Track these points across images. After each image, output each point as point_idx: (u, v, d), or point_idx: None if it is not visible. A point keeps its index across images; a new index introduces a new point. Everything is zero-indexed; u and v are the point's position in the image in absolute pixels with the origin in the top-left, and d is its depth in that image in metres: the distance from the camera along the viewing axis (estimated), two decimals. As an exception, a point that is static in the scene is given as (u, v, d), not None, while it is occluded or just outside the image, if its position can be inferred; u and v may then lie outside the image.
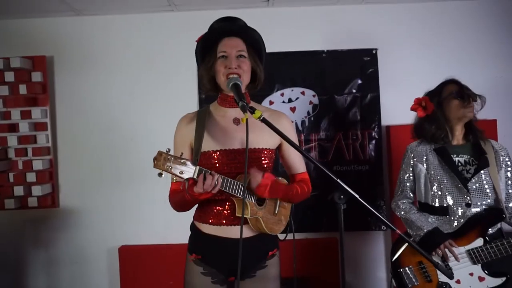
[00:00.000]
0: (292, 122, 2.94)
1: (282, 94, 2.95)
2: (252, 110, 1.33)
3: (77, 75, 2.93)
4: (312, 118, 2.95)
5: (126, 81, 2.96)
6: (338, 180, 1.37)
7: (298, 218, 2.83)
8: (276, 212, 1.60)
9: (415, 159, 2.03)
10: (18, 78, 2.74)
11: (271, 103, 2.94)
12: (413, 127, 2.07)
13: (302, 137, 2.95)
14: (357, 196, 1.37)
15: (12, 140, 2.77)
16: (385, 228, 2.89)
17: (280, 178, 1.62)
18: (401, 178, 2.09)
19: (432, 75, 2.84)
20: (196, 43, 1.60)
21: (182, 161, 1.34)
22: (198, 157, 1.45)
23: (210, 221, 1.58)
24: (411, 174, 2.06)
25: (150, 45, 2.95)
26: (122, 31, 2.95)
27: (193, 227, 1.67)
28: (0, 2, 2.56)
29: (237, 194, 1.47)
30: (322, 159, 2.95)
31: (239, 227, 1.53)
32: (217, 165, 1.54)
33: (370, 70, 2.93)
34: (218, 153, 1.54)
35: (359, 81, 2.94)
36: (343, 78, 2.94)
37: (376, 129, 2.94)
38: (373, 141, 2.94)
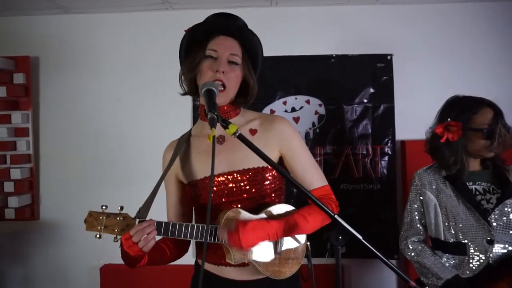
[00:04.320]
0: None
1: (284, 103, 2.66)
2: (226, 124, 1.06)
3: (64, 78, 2.71)
4: (317, 130, 2.65)
5: (116, 85, 2.73)
6: (335, 216, 1.07)
7: None
8: (280, 250, 1.26)
9: (423, 187, 1.72)
10: (-2, 79, 2.54)
11: (272, 112, 2.66)
12: (429, 146, 1.74)
13: (306, 151, 2.65)
14: (360, 237, 1.08)
15: (-11, 146, 2.56)
16: (397, 256, 2.56)
17: (280, 205, 1.29)
18: (408, 209, 1.78)
19: (453, 84, 2.54)
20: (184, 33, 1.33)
21: (119, 218, 1.16)
22: (147, 206, 1.21)
23: (209, 259, 1.31)
24: (419, 205, 1.74)
25: (142, 46, 2.72)
26: (112, 31, 2.73)
27: (196, 265, 1.42)
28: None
29: (210, 240, 1.20)
30: (328, 176, 2.61)
31: (239, 268, 1.26)
32: (202, 196, 1.28)
33: (384, 78, 2.62)
34: (201, 182, 1.29)
35: (371, 90, 2.63)
36: (353, 86, 2.64)
37: (389, 144, 2.62)
38: (386, 158, 2.62)
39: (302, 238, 1.31)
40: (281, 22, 2.66)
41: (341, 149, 2.64)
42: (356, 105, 2.64)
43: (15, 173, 2.56)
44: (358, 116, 2.64)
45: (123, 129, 2.73)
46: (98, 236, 1.16)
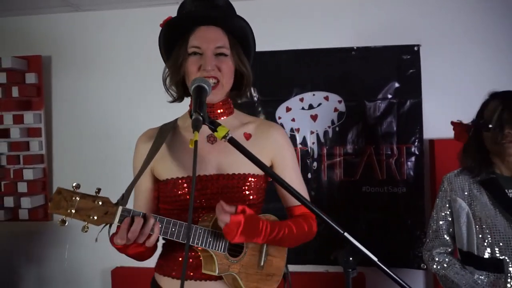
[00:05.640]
0: (313, 132, 2.48)
1: (301, 99, 2.49)
2: (214, 126, 0.94)
3: (76, 77, 2.67)
4: (337, 129, 2.47)
5: (128, 84, 2.66)
6: (345, 233, 0.93)
7: (306, 246, 2.36)
8: (262, 264, 1.16)
9: (453, 193, 1.51)
10: (10, 79, 2.52)
11: (288, 109, 2.50)
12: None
13: (325, 151, 2.47)
14: (375, 259, 0.94)
15: (2, 147, 2.55)
16: (425, 267, 2.34)
17: (266, 215, 1.19)
18: (434, 217, 1.58)
19: (488, 77, 2.28)
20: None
21: (97, 201, 0.95)
22: (129, 193, 1.03)
23: (174, 273, 1.17)
24: (448, 213, 1.54)
25: (154, 43, 2.61)
26: (123, 28, 2.65)
27: (153, 284, 1.24)
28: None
29: (196, 243, 1.06)
30: (349, 178, 2.45)
31: (211, 283, 1.13)
32: (183, 197, 1.14)
33: (411, 71, 2.39)
34: (185, 181, 1.14)
35: (396, 85, 2.41)
36: (376, 80, 2.43)
37: (416, 143, 2.39)
38: (413, 158, 2.40)
39: (283, 254, 1.23)
40: (295, 12, 2.49)
41: (363, 149, 2.44)
42: (379, 101, 2.43)
43: (28, 174, 2.54)
44: (381, 113, 2.43)
45: (134, 128, 2.64)
46: (61, 221, 0.93)
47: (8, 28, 2.67)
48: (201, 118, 0.91)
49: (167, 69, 1.22)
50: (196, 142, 0.87)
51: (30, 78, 2.57)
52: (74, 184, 0.95)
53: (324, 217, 0.94)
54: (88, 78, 2.67)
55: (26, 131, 2.60)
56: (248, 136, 1.21)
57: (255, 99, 2.50)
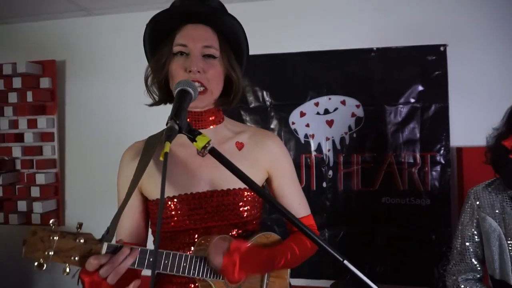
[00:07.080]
0: (329, 139, 2.34)
1: (316, 104, 2.36)
2: (193, 135, 0.84)
3: (89, 81, 2.66)
4: (354, 135, 2.31)
5: (141, 88, 2.59)
6: (344, 261, 0.82)
7: (315, 259, 2.19)
8: (265, 287, 1.06)
9: (481, 210, 1.33)
10: (25, 84, 2.54)
11: (302, 114, 2.37)
12: (492, 157, 1.36)
13: (341, 159, 2.32)
14: None
15: (17, 151, 2.57)
16: (451, 287, 2.14)
17: (267, 233, 1.08)
18: (459, 236, 1.40)
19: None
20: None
21: (78, 239, 0.83)
22: (115, 226, 0.90)
23: None
24: (475, 232, 1.36)
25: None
26: (136, 32, 2.55)
27: None
28: (6, 6, 2.38)
29: (193, 274, 0.95)
30: (367, 188, 2.29)
31: None
32: (175, 218, 1.03)
33: (436, 73, 2.21)
34: (175, 200, 1.04)
35: (420, 88, 2.24)
36: (397, 83, 2.26)
37: (442, 151, 2.20)
38: (438, 167, 2.21)
39: (286, 273, 1.10)
40: (310, 12, 2.36)
41: (382, 157, 2.27)
42: (401, 106, 2.26)
43: (40, 178, 2.54)
44: (403, 118, 2.26)
45: (147, 133, 2.60)
46: (37, 265, 0.81)
47: (22, 34, 2.70)
48: (176, 127, 0.81)
49: (149, 68, 1.11)
50: (166, 154, 0.76)
51: (44, 82, 2.57)
52: (51, 221, 0.84)
53: (321, 242, 0.83)
54: (101, 82, 2.65)
55: (39, 136, 2.61)
56: (240, 146, 1.10)
57: (268, 103, 2.39)
